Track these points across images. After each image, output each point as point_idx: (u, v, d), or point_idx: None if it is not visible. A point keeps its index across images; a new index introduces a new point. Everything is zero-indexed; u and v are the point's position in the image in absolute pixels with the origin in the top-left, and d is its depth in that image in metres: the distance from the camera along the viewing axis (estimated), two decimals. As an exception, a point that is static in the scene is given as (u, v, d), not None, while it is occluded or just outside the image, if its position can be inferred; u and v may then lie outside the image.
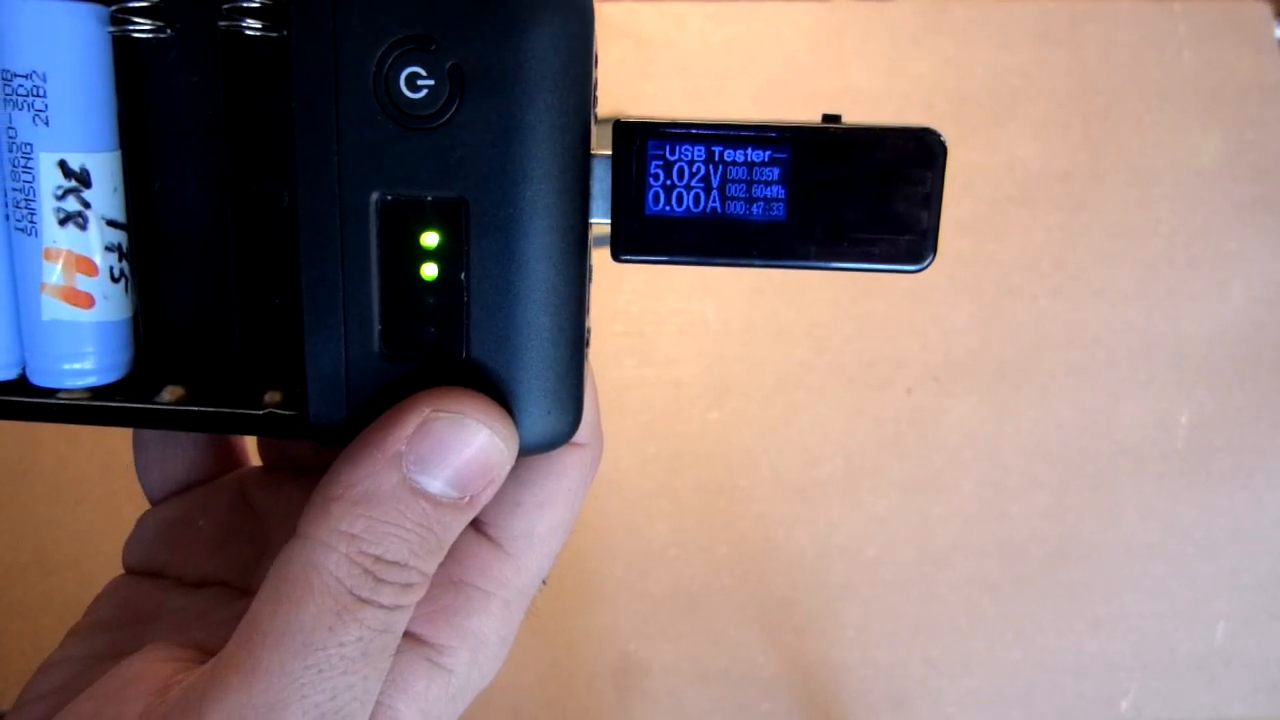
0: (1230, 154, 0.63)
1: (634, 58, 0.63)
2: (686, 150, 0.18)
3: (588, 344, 0.20)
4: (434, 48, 0.17)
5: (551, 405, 0.19)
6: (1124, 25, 0.64)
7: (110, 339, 0.19)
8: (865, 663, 0.55)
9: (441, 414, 0.17)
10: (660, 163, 0.18)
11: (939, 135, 0.18)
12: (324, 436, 0.19)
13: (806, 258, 0.18)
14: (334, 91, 0.17)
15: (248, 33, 0.18)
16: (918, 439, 0.58)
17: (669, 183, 0.18)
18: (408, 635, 0.19)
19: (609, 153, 0.18)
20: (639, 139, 0.18)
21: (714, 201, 0.18)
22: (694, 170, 0.18)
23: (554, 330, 0.18)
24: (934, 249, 0.18)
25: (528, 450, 0.19)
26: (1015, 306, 0.60)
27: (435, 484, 0.17)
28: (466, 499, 0.18)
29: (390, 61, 0.17)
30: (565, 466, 0.20)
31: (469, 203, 0.18)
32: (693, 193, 0.18)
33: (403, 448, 0.17)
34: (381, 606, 0.17)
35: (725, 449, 0.57)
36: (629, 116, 0.18)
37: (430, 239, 0.18)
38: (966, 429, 0.58)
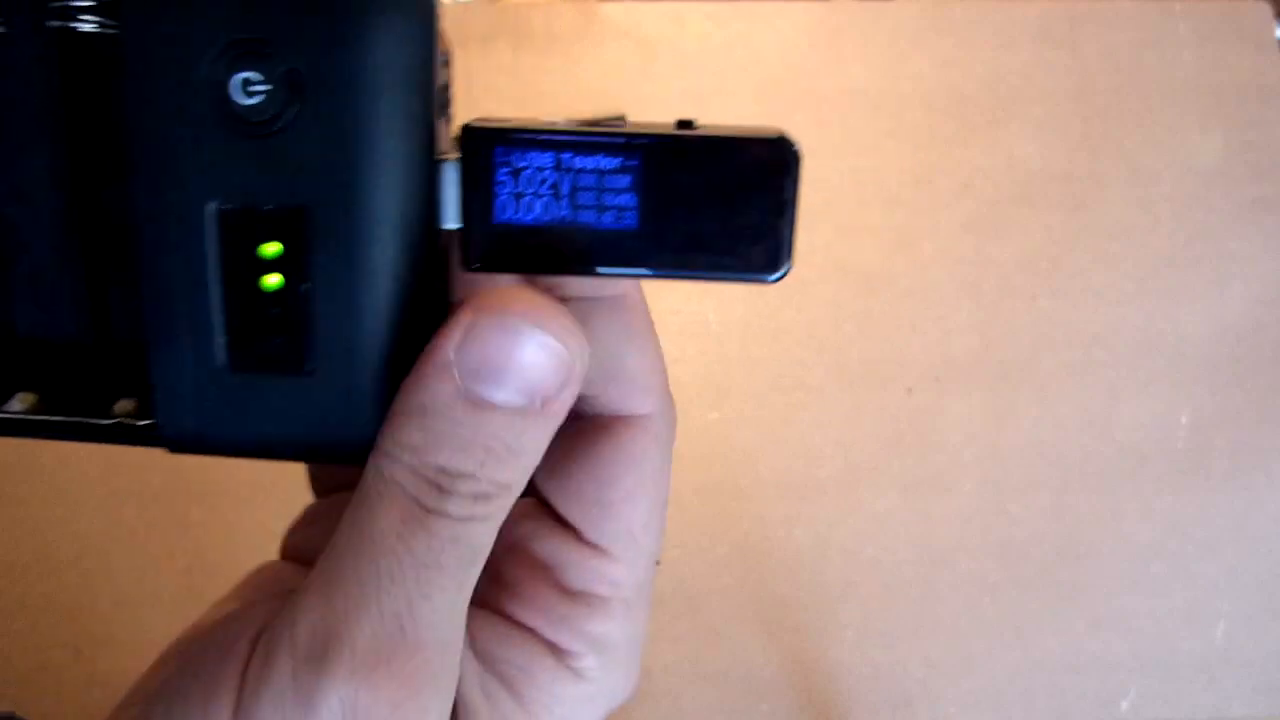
0: (1230, 154, 0.63)
1: (634, 58, 0.63)
2: (535, 157, 0.18)
3: None
4: (268, 51, 0.16)
5: (370, 412, 0.18)
6: (1124, 25, 0.64)
7: None
8: (865, 663, 0.55)
9: (483, 318, 0.17)
10: (508, 169, 0.18)
11: (792, 143, 0.17)
12: (176, 447, 0.19)
13: (659, 267, 0.18)
14: (167, 98, 0.17)
15: (83, 29, 0.17)
16: (918, 439, 0.58)
17: (517, 190, 0.18)
18: (538, 639, 0.19)
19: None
20: (486, 145, 0.18)
21: (564, 209, 0.18)
22: (543, 177, 0.18)
23: (396, 343, 0.18)
24: (788, 258, 0.18)
25: (357, 456, 0.18)
26: (1015, 306, 0.60)
27: (497, 393, 0.17)
28: (539, 405, 0.17)
29: (223, 66, 0.17)
30: (640, 451, 0.20)
31: (309, 211, 0.17)
32: (542, 200, 0.18)
33: (451, 356, 0.17)
34: (451, 517, 0.17)
35: (725, 449, 0.57)
36: (482, 121, 0.18)
37: (271, 249, 0.17)
38: (966, 429, 0.58)
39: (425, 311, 0.18)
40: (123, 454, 0.58)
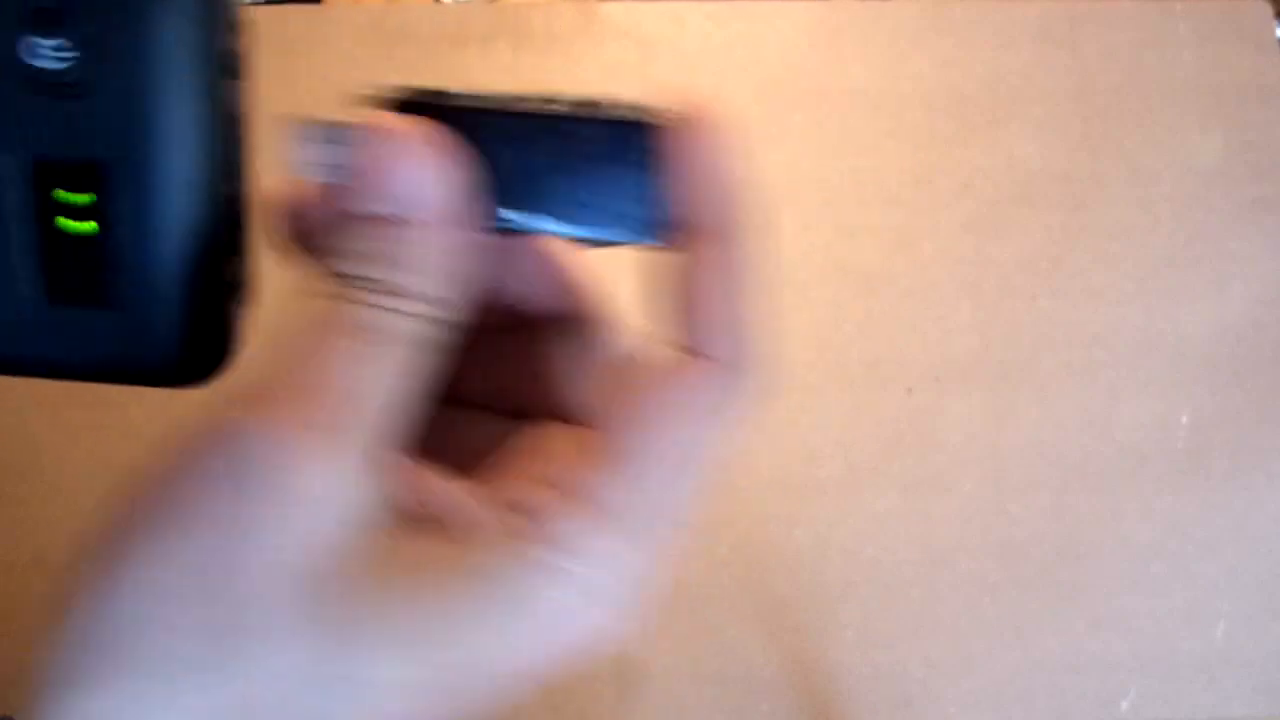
0: (1230, 154, 0.63)
1: (634, 57, 0.63)
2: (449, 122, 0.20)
3: (240, 291, 0.21)
4: (65, 18, 0.18)
5: (188, 350, 0.20)
6: (1124, 25, 0.64)
7: None
8: (865, 663, 0.55)
9: (365, 139, 0.19)
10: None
11: (665, 122, 0.20)
12: (3, 369, 0.21)
13: (548, 233, 0.20)
14: None
15: None
16: (918, 439, 0.58)
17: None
18: (518, 516, 0.19)
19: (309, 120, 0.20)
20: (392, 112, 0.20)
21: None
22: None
23: (196, 279, 0.20)
24: (663, 225, 0.20)
25: (167, 380, 0.20)
26: (1015, 306, 0.60)
27: (384, 204, 0.19)
28: (418, 215, 0.19)
29: (21, 27, 0.18)
30: (689, 379, 0.19)
31: (110, 163, 0.19)
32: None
33: (347, 181, 0.19)
34: (360, 303, 0.18)
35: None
36: (395, 89, 0.20)
37: (78, 197, 0.19)
38: (967, 429, 0.58)
39: (221, 252, 0.20)
40: (121, 456, 0.58)
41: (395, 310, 0.18)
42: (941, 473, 0.58)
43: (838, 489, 0.57)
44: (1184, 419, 0.59)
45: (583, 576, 0.18)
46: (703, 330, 0.19)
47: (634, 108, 0.20)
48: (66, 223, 0.19)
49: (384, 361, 0.18)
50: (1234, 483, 0.59)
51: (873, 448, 0.58)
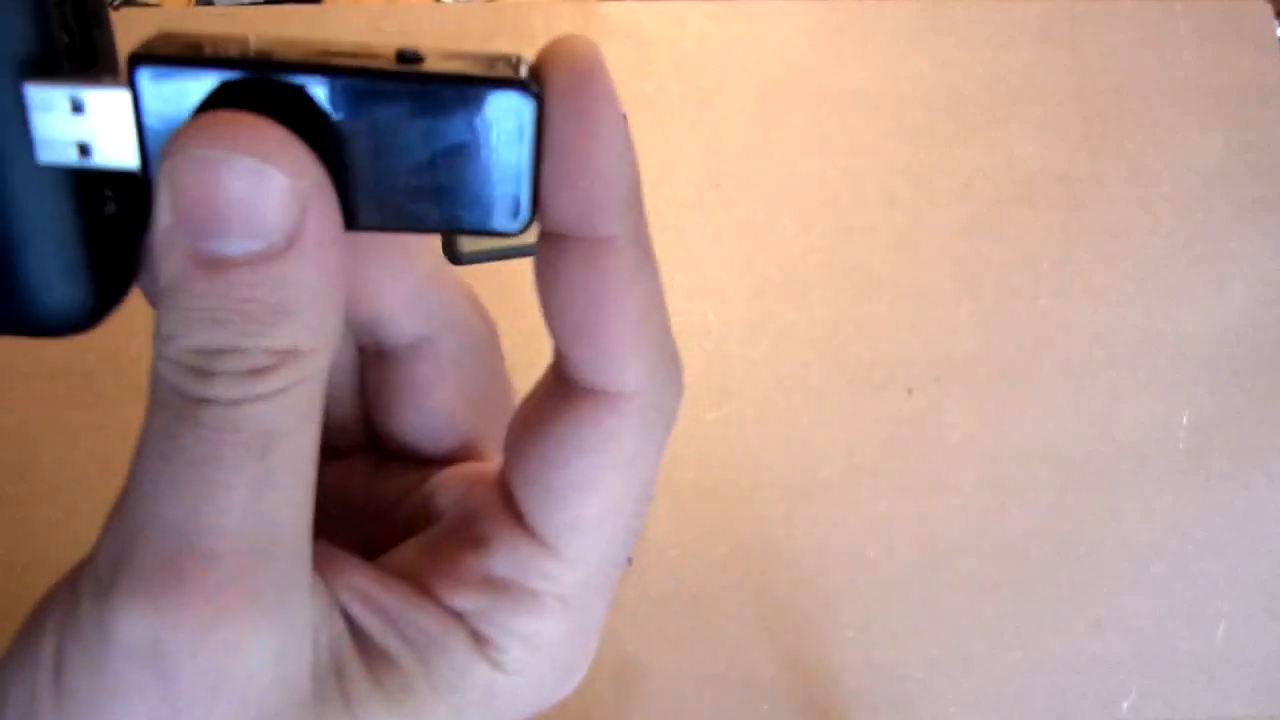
0: (1230, 154, 0.63)
1: (634, 57, 0.63)
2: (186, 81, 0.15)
3: (124, 218, 0.17)
4: None
5: (47, 279, 0.16)
6: (1124, 25, 0.65)
7: None
8: (865, 663, 0.55)
9: (177, 164, 0.14)
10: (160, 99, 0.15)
11: (530, 85, 0.15)
12: None
13: (389, 223, 0.16)
14: None
15: None
16: (918, 439, 0.58)
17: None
18: (458, 619, 0.17)
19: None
20: (133, 67, 0.15)
21: None
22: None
23: (19, 194, 0.15)
24: (526, 208, 0.16)
25: (48, 327, 0.16)
26: (1015, 306, 0.60)
27: (225, 244, 0.14)
28: (281, 242, 0.14)
29: None
30: (607, 432, 0.16)
31: None
32: None
33: (166, 220, 0.14)
34: (219, 402, 0.14)
35: (725, 449, 0.57)
36: (138, 46, 0.15)
37: None
38: (966, 429, 0.58)
39: (19, 230, 0.16)
40: (121, 456, 0.58)
41: (281, 390, 0.14)
42: (941, 473, 0.58)
43: (838, 489, 0.57)
44: (1184, 419, 0.59)
45: (538, 663, 0.17)
46: (609, 354, 0.16)
47: (497, 63, 0.15)
48: None
49: (282, 463, 0.15)
50: (1234, 483, 0.59)
51: (873, 448, 0.58)
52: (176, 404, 0.14)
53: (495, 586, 0.17)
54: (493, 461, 0.20)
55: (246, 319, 0.14)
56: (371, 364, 0.20)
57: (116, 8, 0.65)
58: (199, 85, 0.15)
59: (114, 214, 0.17)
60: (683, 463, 0.57)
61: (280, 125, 0.14)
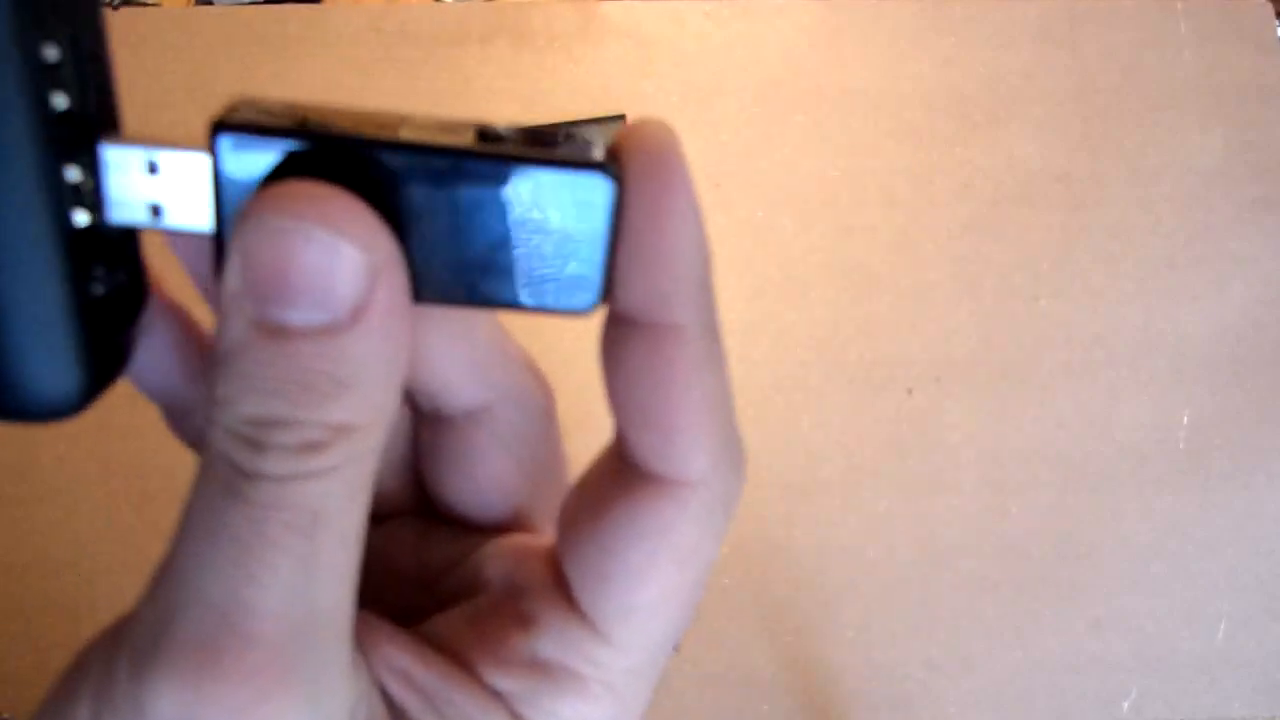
0: (1230, 154, 0.63)
1: (634, 57, 0.63)
2: (271, 153, 0.15)
3: (118, 298, 0.16)
4: None
5: (42, 361, 0.15)
6: (1124, 25, 0.64)
7: None
8: (865, 663, 0.55)
9: (251, 231, 0.14)
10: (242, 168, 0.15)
11: (607, 166, 0.15)
12: None
13: (458, 298, 0.16)
14: None
15: None
16: (918, 439, 0.58)
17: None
18: (500, 701, 0.17)
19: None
20: (216, 133, 0.15)
21: None
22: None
23: (21, 267, 0.15)
24: (599, 289, 0.16)
25: (32, 414, 0.15)
26: (1015, 306, 0.60)
27: (291, 313, 0.14)
28: (347, 315, 0.14)
29: None
30: (667, 521, 0.16)
31: None
32: None
33: (236, 284, 0.14)
34: (269, 477, 0.14)
35: (725, 449, 0.57)
36: (224, 113, 0.15)
37: None
38: (966, 429, 0.58)
39: (51, 214, 0.15)
40: (121, 456, 0.58)
41: (333, 468, 0.14)
42: (941, 473, 0.58)
43: (838, 489, 0.57)
44: (1184, 419, 0.59)
45: None
46: (673, 444, 0.16)
47: (576, 141, 0.15)
48: None
49: (329, 543, 0.14)
50: (1234, 483, 0.59)
51: (873, 448, 0.58)
52: (226, 475, 0.14)
53: (540, 669, 0.17)
54: (544, 534, 0.19)
55: (304, 390, 0.14)
56: (426, 428, 0.19)
57: (116, 8, 0.65)
58: (276, 153, 0.15)
59: (102, 296, 0.16)
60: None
61: (355, 198, 0.14)
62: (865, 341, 0.59)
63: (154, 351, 0.18)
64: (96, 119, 0.15)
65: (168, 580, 0.14)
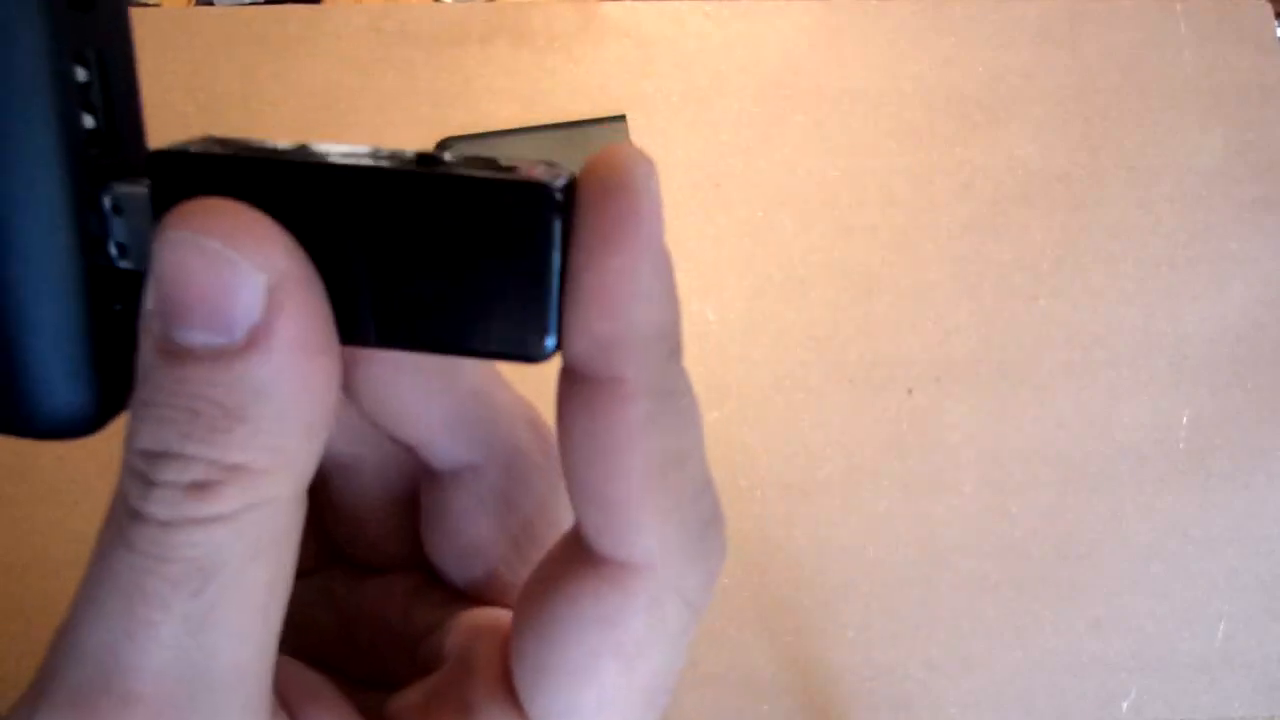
0: (1230, 154, 0.63)
1: (634, 57, 0.63)
2: (232, 187, 0.14)
3: (111, 304, 0.15)
4: None
5: (52, 377, 0.15)
6: (1124, 25, 0.64)
7: None
8: (865, 663, 0.55)
9: (158, 246, 0.13)
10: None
11: (559, 191, 0.13)
12: None
13: (398, 341, 0.14)
14: None
15: None
16: (918, 439, 0.58)
17: None
18: None
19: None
20: (171, 171, 0.14)
21: None
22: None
23: (37, 282, 0.14)
24: (548, 332, 0.14)
25: (49, 432, 0.15)
26: (1015, 306, 0.60)
27: (189, 333, 0.12)
28: (242, 338, 0.12)
29: None
30: (609, 611, 0.14)
31: None
32: None
33: (148, 304, 0.13)
34: (152, 521, 0.12)
35: (725, 449, 0.57)
36: (170, 144, 0.14)
37: None
38: (966, 429, 0.58)
39: (71, 241, 0.14)
40: (121, 456, 0.58)
41: (223, 516, 0.13)
42: (941, 473, 0.58)
43: (838, 489, 0.57)
44: (1184, 419, 0.59)
45: None
46: (612, 518, 0.14)
47: (534, 168, 0.14)
48: None
49: (225, 602, 0.13)
50: (1234, 483, 0.59)
51: (873, 448, 0.58)
52: (118, 516, 0.13)
53: None
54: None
55: (193, 420, 0.12)
56: (423, 478, 0.18)
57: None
58: (211, 179, 0.14)
59: (121, 311, 0.15)
60: (683, 463, 0.57)
61: (262, 214, 0.13)
62: (865, 341, 0.59)
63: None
64: (123, 141, 0.15)
65: (62, 628, 0.13)
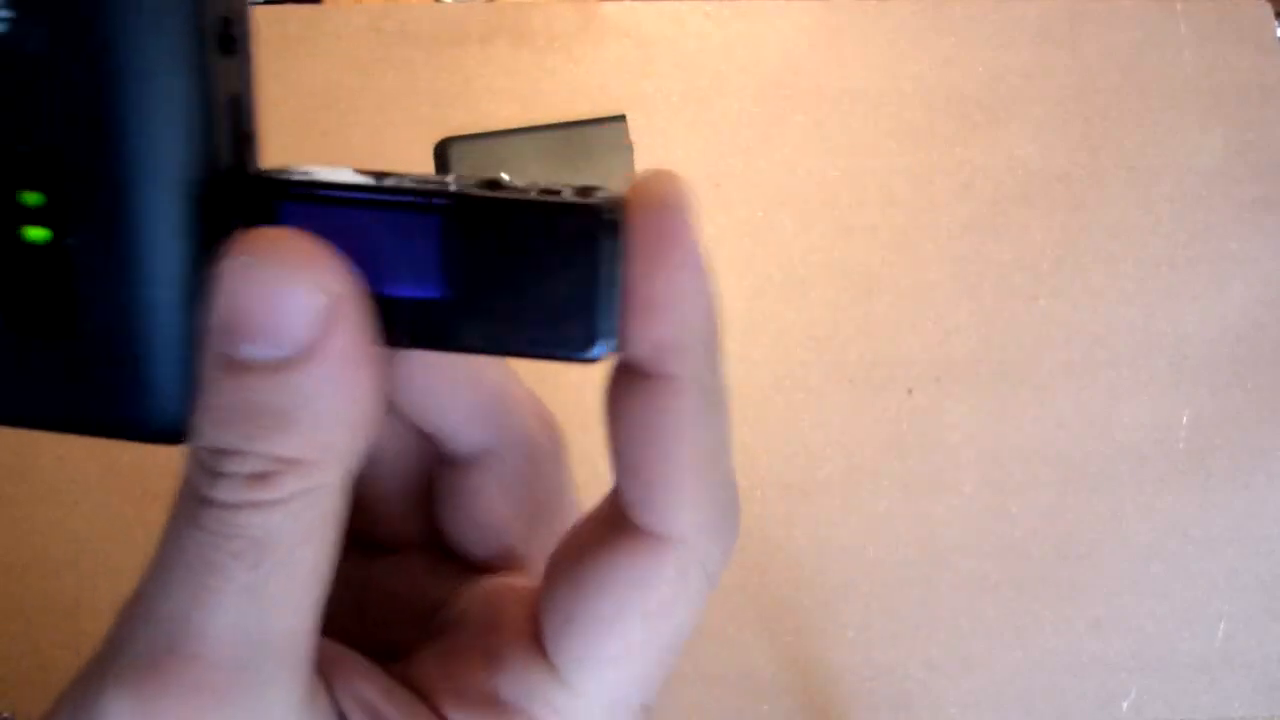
0: (1230, 154, 0.63)
1: (634, 57, 0.63)
2: (328, 215, 0.16)
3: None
4: None
5: (167, 390, 0.16)
6: (1124, 25, 0.64)
7: None
8: (865, 663, 0.55)
9: (224, 267, 0.15)
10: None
11: (609, 213, 0.15)
12: None
13: (469, 342, 0.16)
14: None
15: None
16: (918, 439, 0.58)
17: None
18: None
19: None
20: (269, 200, 0.16)
21: (359, 273, 0.16)
22: (339, 237, 0.16)
23: (168, 305, 0.16)
24: (604, 337, 0.16)
25: (149, 435, 0.16)
26: (1015, 306, 0.60)
27: (250, 348, 0.15)
28: (302, 352, 0.15)
29: None
30: (640, 575, 0.16)
31: (63, 152, 0.15)
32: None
33: (212, 322, 0.15)
34: (219, 504, 0.15)
35: (725, 449, 0.57)
36: (266, 170, 0.16)
37: (32, 197, 0.16)
38: (966, 429, 0.58)
39: (199, 265, 0.16)
40: (122, 455, 0.58)
41: (280, 500, 0.15)
42: (941, 473, 0.58)
43: (838, 489, 0.57)
44: (1184, 419, 0.59)
45: None
46: (656, 497, 0.16)
47: (585, 191, 0.16)
48: (17, 227, 0.15)
49: (277, 575, 0.15)
50: (1234, 483, 0.59)
51: (873, 448, 0.58)
52: (186, 501, 0.15)
53: (499, 708, 0.17)
54: (532, 577, 0.20)
55: (252, 422, 0.15)
56: (438, 464, 0.20)
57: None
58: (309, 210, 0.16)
59: None
60: (683, 463, 0.57)
61: (317, 240, 0.15)
62: (865, 341, 0.59)
63: None
64: (246, 176, 0.17)
65: (132, 599, 0.15)
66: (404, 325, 0.16)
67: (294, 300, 0.14)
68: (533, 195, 0.15)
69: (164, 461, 0.55)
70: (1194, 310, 0.61)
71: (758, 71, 0.63)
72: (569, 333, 0.16)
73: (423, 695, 0.17)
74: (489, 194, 0.16)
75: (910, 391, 0.59)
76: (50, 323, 0.16)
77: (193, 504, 0.15)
